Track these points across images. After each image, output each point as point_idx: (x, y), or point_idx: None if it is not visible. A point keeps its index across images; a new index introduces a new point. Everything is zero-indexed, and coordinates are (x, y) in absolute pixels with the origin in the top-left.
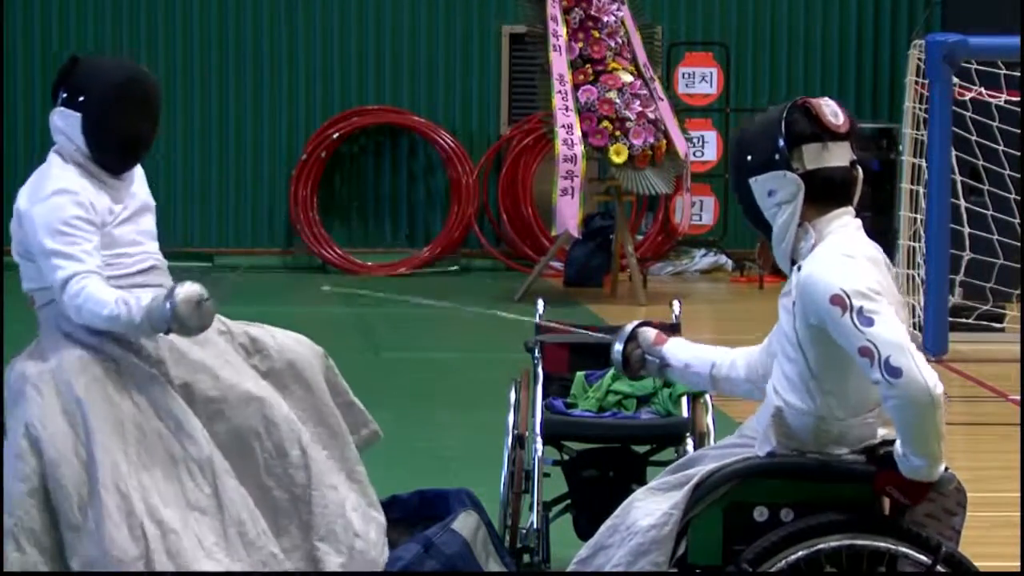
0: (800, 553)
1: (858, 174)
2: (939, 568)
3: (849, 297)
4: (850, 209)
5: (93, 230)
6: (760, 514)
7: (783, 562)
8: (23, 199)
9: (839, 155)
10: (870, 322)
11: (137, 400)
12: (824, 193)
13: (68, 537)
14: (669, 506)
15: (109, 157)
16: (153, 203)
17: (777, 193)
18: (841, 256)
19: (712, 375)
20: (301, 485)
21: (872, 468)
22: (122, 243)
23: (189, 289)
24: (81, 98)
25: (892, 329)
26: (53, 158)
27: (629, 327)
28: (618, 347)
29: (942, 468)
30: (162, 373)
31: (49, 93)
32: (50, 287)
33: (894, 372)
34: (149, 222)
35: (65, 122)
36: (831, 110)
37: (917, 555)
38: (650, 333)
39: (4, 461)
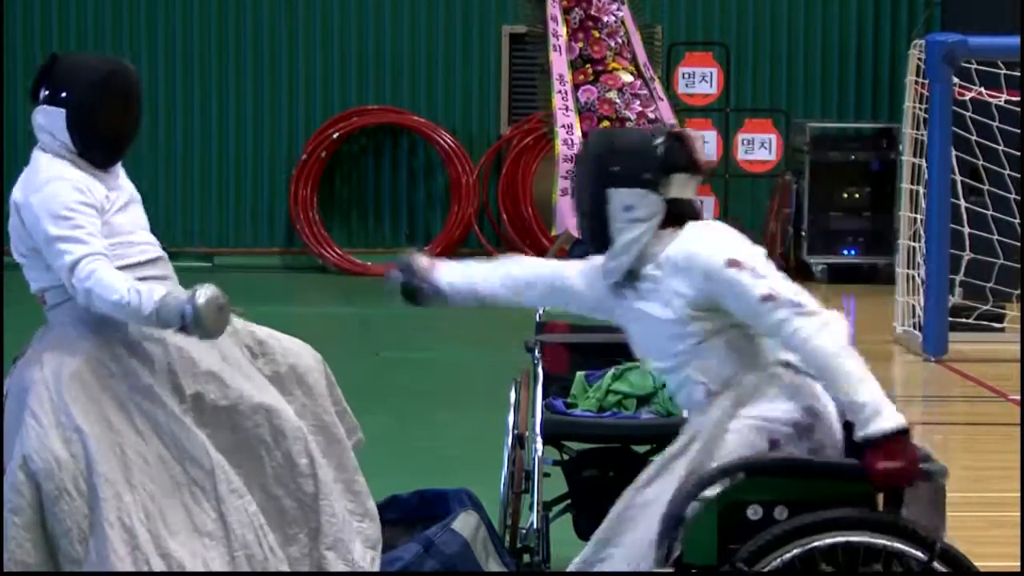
0: (795, 551)
1: (700, 208)
2: (936, 564)
3: (742, 257)
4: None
5: (94, 213)
6: (754, 512)
7: (778, 560)
8: (18, 193)
9: (694, 189)
10: (764, 276)
11: (139, 424)
12: (674, 221)
13: (69, 570)
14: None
15: (95, 151)
16: (139, 196)
17: (635, 210)
18: (714, 230)
19: (478, 294)
20: (310, 494)
21: (862, 463)
22: (122, 232)
23: (212, 292)
24: (63, 94)
25: (786, 280)
26: (39, 154)
27: (406, 257)
28: (396, 274)
29: (896, 413)
30: (173, 384)
31: None
32: (60, 285)
33: (797, 305)
34: (139, 213)
35: (48, 119)
36: (700, 146)
37: (913, 551)
38: (423, 261)
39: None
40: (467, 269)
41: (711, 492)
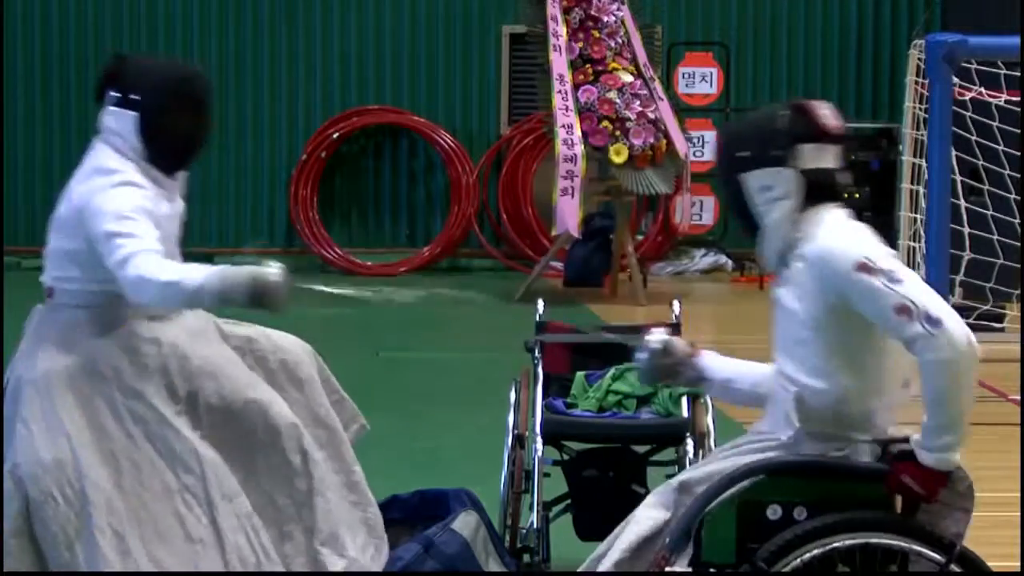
0: (815, 552)
1: (847, 178)
2: (953, 567)
3: (873, 261)
4: (840, 204)
5: (153, 222)
6: (774, 512)
7: (798, 560)
8: (82, 192)
9: (832, 157)
10: (900, 281)
11: (130, 429)
12: (817, 192)
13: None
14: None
15: (164, 157)
16: (183, 206)
17: (773, 189)
18: (849, 229)
19: (758, 394)
20: (303, 491)
21: (885, 467)
22: None
23: (276, 269)
24: (135, 96)
25: (923, 286)
26: (107, 151)
27: (657, 338)
28: (643, 356)
29: (957, 457)
30: (168, 384)
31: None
32: (75, 287)
33: (935, 322)
34: (177, 229)
35: (119, 122)
36: (827, 112)
37: (931, 554)
38: (682, 344)
39: None
40: (740, 364)
41: (728, 494)
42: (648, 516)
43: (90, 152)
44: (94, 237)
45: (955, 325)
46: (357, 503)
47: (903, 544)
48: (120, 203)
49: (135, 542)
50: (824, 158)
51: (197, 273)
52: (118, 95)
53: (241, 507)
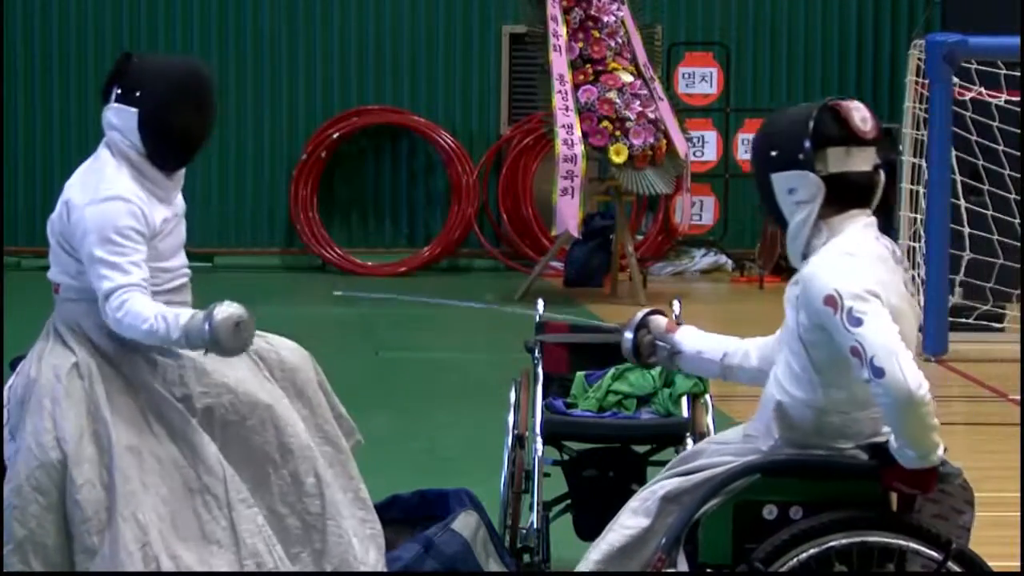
0: (812, 551)
1: (880, 178)
2: (950, 565)
3: (841, 298)
4: (867, 211)
5: (142, 241)
6: (769, 512)
7: (795, 560)
8: (76, 194)
9: (863, 160)
10: (858, 322)
11: (156, 428)
12: (843, 196)
13: (80, 560)
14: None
15: (165, 154)
16: (184, 206)
17: (797, 192)
18: (842, 255)
19: (724, 364)
20: (315, 514)
21: (877, 464)
22: (164, 257)
23: (227, 310)
24: (137, 93)
25: (880, 330)
26: (105, 155)
27: (640, 315)
28: (628, 335)
29: (939, 455)
30: (184, 396)
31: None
32: (79, 286)
33: (878, 372)
34: (182, 230)
35: (120, 118)
36: (860, 115)
37: (928, 551)
38: (661, 320)
39: (21, 466)
40: (714, 338)
41: (723, 494)
42: (625, 526)
43: (95, 154)
44: (82, 253)
45: (897, 377)
46: (365, 520)
47: (900, 542)
48: (107, 222)
49: (155, 535)
50: (853, 162)
51: (172, 325)
52: (120, 91)
53: (258, 515)
